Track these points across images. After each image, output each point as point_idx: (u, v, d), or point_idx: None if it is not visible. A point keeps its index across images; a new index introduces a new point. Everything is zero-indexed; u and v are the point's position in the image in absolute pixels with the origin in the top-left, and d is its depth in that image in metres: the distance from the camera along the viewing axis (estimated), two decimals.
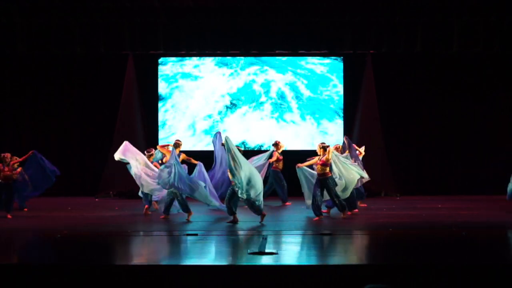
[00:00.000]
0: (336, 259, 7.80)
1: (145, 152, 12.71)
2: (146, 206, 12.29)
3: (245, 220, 11.72)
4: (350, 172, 11.76)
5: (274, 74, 16.40)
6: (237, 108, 16.52)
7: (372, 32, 15.19)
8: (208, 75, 16.44)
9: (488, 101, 16.39)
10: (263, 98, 16.46)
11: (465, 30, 15.04)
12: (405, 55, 15.83)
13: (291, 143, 16.26)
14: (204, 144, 16.27)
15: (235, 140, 16.15)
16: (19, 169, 12.33)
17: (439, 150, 16.08)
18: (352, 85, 16.25)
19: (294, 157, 15.86)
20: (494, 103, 16.40)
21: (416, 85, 16.29)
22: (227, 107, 16.55)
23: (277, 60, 16.41)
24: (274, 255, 7.45)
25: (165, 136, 16.30)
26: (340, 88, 16.38)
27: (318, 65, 16.41)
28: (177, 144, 12.05)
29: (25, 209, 12.78)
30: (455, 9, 14.76)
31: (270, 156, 13.44)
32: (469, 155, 16.31)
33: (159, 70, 16.37)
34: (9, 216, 11.63)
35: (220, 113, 16.54)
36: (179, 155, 11.75)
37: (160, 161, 12.20)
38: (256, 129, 16.53)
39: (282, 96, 16.44)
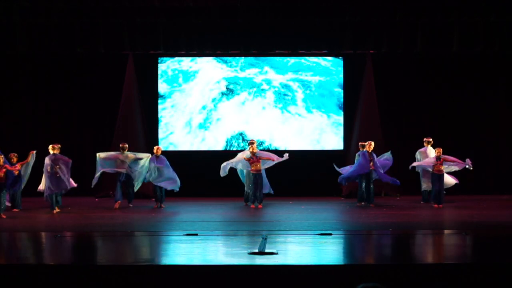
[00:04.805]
0: (336, 259, 7.80)
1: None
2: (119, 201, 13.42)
3: (245, 220, 11.73)
4: None
5: (274, 75, 16.34)
6: (234, 95, 16.30)
7: (372, 32, 15.19)
8: (206, 69, 16.27)
9: (488, 101, 16.38)
10: (265, 86, 16.28)
11: (465, 30, 15.04)
12: (405, 55, 15.83)
13: (295, 140, 16.25)
14: (200, 140, 16.22)
15: (232, 131, 16.14)
16: (18, 165, 12.56)
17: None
18: (352, 85, 16.24)
19: (301, 156, 15.96)
20: (494, 103, 16.40)
21: (416, 85, 16.28)
22: (222, 93, 16.29)
23: (278, 59, 16.34)
24: (274, 255, 7.45)
25: (163, 136, 16.30)
26: (341, 85, 16.38)
27: (321, 59, 16.36)
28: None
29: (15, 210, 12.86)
30: (455, 9, 14.75)
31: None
32: (469, 154, 16.27)
33: (159, 69, 16.37)
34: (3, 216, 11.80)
35: (214, 100, 16.23)
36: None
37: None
38: (256, 120, 16.28)
39: (286, 85, 16.30)
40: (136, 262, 7.53)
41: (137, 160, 13.56)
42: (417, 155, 14.39)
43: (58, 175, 12.84)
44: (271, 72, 16.29)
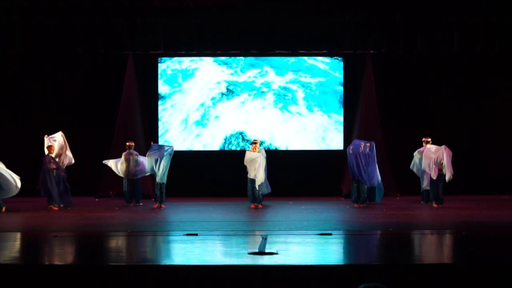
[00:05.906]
0: (336, 259, 7.80)
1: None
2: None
3: (245, 220, 11.73)
4: None
5: (274, 76, 16.31)
6: (234, 95, 16.29)
7: (372, 32, 15.19)
8: (206, 69, 16.28)
9: (488, 101, 16.39)
10: (264, 89, 16.25)
11: (465, 30, 15.04)
12: (405, 55, 15.83)
13: (295, 139, 16.21)
14: (194, 135, 16.19)
15: (231, 129, 16.13)
16: None
17: None
18: (352, 85, 16.24)
19: (301, 156, 15.94)
20: (494, 103, 16.40)
21: (416, 85, 16.28)
22: (222, 94, 16.27)
23: (278, 59, 16.31)
24: (274, 255, 7.45)
25: (159, 134, 16.28)
26: (341, 83, 16.36)
27: (320, 62, 16.35)
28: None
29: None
30: (455, 9, 14.76)
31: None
32: (469, 154, 16.30)
33: (158, 69, 16.37)
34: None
35: (213, 98, 16.21)
36: None
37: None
38: (256, 120, 16.25)
39: (286, 88, 16.24)
40: (136, 262, 7.53)
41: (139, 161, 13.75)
42: (416, 155, 14.31)
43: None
44: (271, 72, 16.27)
